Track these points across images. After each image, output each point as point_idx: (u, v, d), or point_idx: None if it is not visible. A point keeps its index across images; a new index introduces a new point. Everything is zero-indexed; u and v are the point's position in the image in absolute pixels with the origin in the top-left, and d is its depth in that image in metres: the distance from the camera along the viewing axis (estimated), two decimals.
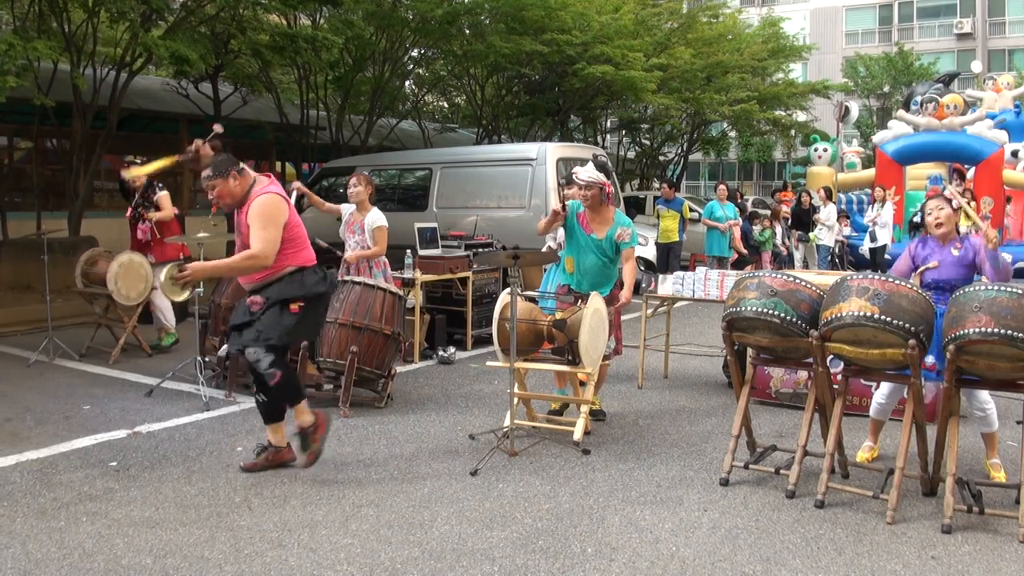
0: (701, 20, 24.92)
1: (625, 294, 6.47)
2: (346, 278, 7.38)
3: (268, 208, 5.17)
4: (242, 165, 5.32)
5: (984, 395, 5.26)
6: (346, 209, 8.19)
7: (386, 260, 8.21)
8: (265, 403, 5.46)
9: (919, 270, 5.48)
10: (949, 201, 5.51)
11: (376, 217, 8.01)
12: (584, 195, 6.44)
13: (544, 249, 7.50)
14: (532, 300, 6.58)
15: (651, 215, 15.53)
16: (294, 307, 5.23)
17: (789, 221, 17.14)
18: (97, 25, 13.47)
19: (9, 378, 8.13)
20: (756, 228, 15.57)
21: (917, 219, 5.70)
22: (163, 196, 9.17)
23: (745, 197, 20.84)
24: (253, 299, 5.25)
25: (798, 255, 17.01)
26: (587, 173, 6.41)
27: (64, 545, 4.35)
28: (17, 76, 10.58)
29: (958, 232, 5.58)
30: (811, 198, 17.89)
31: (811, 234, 17.00)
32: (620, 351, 6.83)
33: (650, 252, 15.17)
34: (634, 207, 18.49)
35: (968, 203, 6.22)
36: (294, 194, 8.16)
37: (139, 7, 11.69)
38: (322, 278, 5.39)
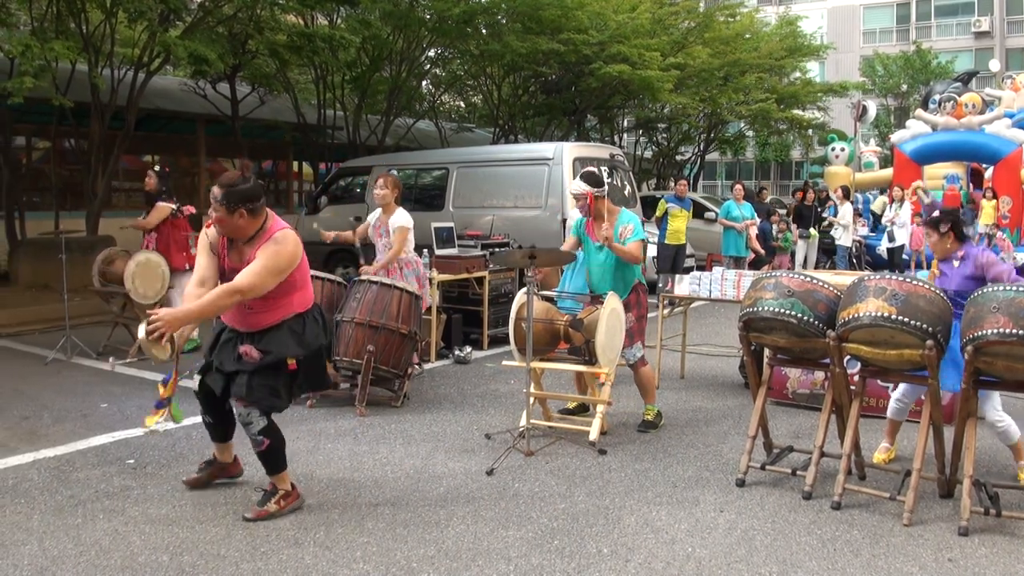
0: (718, 19, 24.83)
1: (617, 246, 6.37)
2: (363, 278, 7.37)
3: (285, 257, 4.56)
4: (261, 201, 4.63)
5: (997, 413, 5.19)
6: (372, 215, 8.13)
7: (418, 259, 8.11)
8: (211, 424, 5.10)
9: (929, 274, 5.44)
10: (936, 226, 5.42)
11: (399, 218, 7.88)
12: (579, 207, 6.54)
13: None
14: (549, 300, 6.59)
15: (656, 214, 14.37)
16: (292, 364, 4.69)
17: (791, 217, 16.99)
18: (115, 25, 13.54)
19: (27, 376, 8.19)
20: (774, 227, 15.48)
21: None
22: (158, 207, 9.11)
23: (769, 198, 20.45)
24: (246, 350, 4.64)
25: (800, 252, 16.77)
26: (575, 186, 6.48)
27: (81, 542, 4.38)
28: (35, 77, 10.65)
29: (960, 241, 5.48)
30: (816, 194, 17.79)
31: (811, 230, 16.84)
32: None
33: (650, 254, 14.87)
34: (651, 207, 18.42)
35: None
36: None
37: (157, 7, 11.74)
38: (323, 328, 4.87)
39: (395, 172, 8.37)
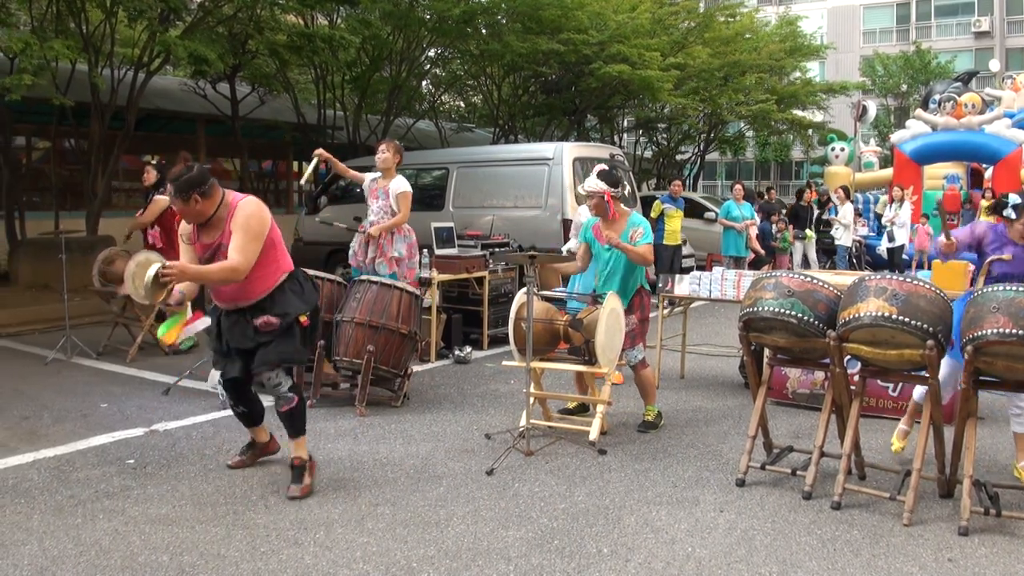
0: (718, 19, 24.80)
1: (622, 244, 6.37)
2: (363, 277, 7.36)
3: (256, 220, 4.85)
4: (209, 183, 4.82)
5: None
6: (368, 176, 8.19)
7: (410, 227, 8.18)
8: (244, 413, 5.42)
9: (989, 260, 5.40)
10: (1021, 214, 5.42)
11: (401, 184, 7.98)
12: (590, 204, 6.52)
13: (564, 252, 7.51)
14: (549, 300, 6.58)
15: (652, 215, 13.84)
16: (304, 320, 5.06)
17: (797, 216, 16.97)
18: (115, 25, 13.54)
19: (27, 376, 8.18)
20: (774, 227, 15.47)
21: (1008, 212, 5.49)
22: (155, 200, 9.03)
23: (776, 198, 20.26)
24: (267, 320, 4.93)
25: (796, 253, 16.74)
26: (588, 183, 6.46)
27: (81, 542, 4.37)
28: (34, 75, 10.64)
29: None
30: (817, 195, 17.76)
31: (807, 231, 16.83)
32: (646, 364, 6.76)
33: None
34: (651, 207, 18.41)
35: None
36: (314, 161, 8.16)
37: (157, 7, 11.74)
38: (313, 285, 5.30)
39: (398, 142, 8.38)
